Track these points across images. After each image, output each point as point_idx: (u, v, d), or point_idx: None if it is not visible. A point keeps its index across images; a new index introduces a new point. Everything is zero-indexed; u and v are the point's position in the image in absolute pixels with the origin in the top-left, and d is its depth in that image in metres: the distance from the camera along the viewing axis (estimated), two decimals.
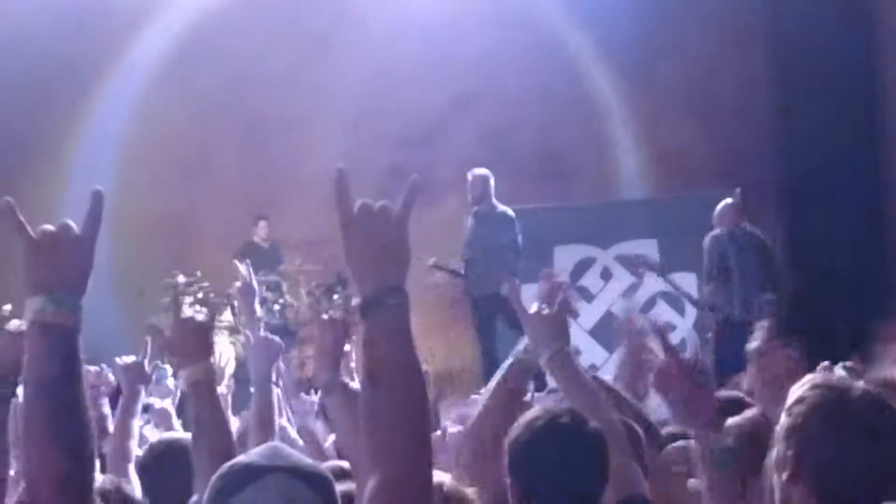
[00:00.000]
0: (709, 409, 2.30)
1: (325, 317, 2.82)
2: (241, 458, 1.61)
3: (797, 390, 1.97)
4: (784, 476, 1.84)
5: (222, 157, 10.89)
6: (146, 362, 3.38)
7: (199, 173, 10.60)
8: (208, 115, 10.86)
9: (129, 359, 3.71)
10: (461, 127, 10.53)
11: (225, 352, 9.18)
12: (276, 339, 3.67)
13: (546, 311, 2.64)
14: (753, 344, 3.69)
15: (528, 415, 2.36)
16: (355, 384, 2.86)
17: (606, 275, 9.20)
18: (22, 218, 1.61)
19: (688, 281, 8.52)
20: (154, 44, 11.05)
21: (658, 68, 9.90)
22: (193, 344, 2.39)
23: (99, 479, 2.39)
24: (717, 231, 7.67)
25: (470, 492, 2.39)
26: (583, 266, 9.23)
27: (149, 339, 3.27)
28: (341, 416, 2.72)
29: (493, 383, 3.01)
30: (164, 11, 10.94)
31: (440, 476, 2.33)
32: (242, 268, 3.99)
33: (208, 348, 2.46)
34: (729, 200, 7.79)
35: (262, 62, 10.72)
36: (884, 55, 9.13)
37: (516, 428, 2.30)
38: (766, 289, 7.50)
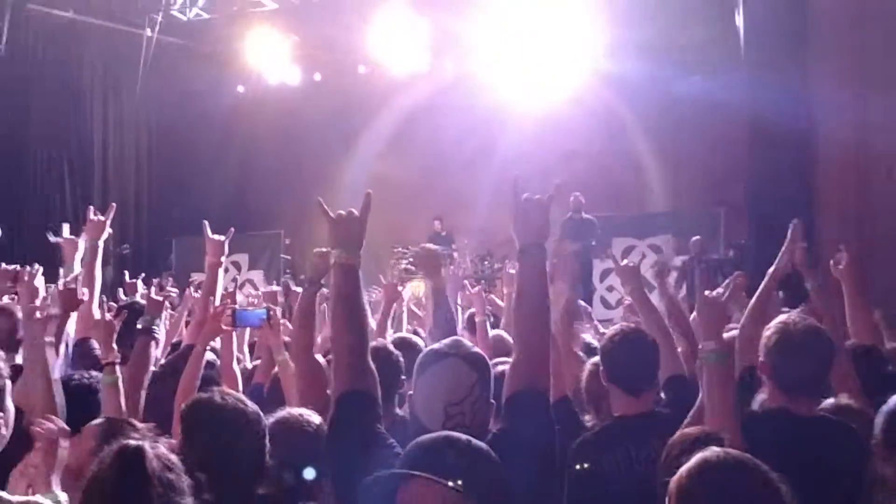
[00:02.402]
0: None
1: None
2: (433, 346, 2.28)
3: None
4: None
5: (420, 184, 13.89)
6: None
7: (407, 191, 13.34)
8: (415, 159, 14.09)
9: None
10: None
11: (416, 289, 10.35)
12: (462, 278, 4.84)
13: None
14: None
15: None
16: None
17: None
18: (327, 208, 2.35)
19: None
20: (385, 125, 14.70)
21: None
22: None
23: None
24: None
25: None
26: (628, 250, 10.96)
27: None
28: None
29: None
30: (393, 106, 14.49)
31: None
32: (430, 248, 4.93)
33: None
34: None
35: (451, 133, 13.59)
36: None
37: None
38: None
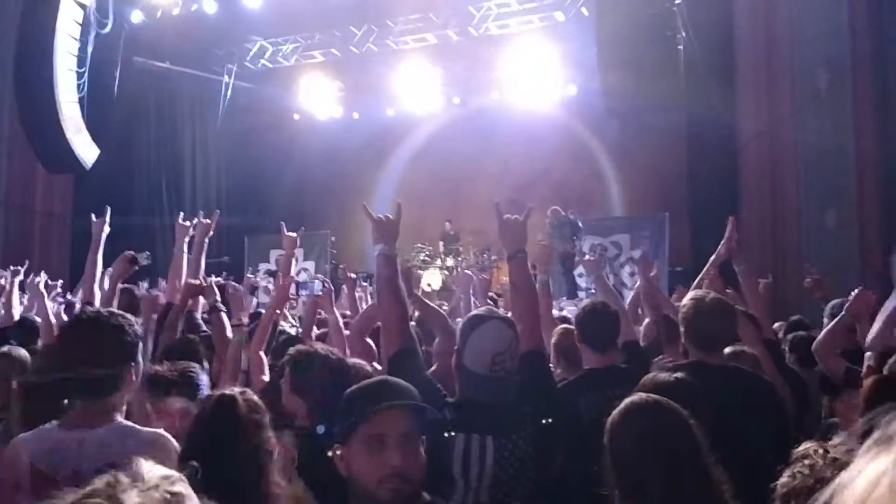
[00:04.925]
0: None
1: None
2: (475, 311, 2.23)
3: None
4: None
5: (433, 194, 13.73)
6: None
7: (423, 199, 13.02)
8: (428, 175, 14.05)
9: None
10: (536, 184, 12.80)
11: (435, 280, 11.74)
12: (470, 273, 5.02)
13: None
14: None
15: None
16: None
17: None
18: (371, 212, 2.32)
19: None
20: (407, 150, 14.84)
21: None
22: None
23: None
24: None
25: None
26: (595, 247, 10.23)
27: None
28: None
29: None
30: (414, 134, 14.71)
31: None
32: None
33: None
34: None
35: (457, 155, 13.92)
36: None
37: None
38: None
